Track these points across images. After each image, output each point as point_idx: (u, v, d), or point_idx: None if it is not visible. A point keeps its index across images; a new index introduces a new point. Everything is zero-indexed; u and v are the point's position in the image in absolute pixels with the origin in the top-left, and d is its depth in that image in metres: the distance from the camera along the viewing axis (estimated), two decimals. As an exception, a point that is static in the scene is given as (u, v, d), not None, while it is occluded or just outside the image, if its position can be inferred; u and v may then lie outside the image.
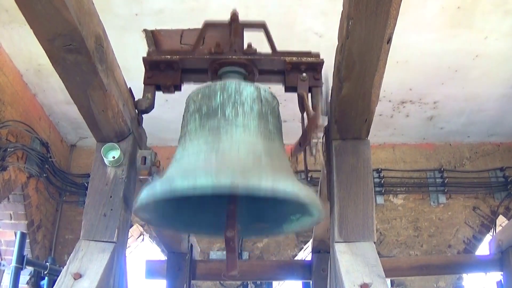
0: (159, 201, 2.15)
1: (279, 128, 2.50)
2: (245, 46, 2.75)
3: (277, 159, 2.27)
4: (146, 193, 2.06)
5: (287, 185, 1.96)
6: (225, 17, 2.78)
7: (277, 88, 2.72)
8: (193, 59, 2.73)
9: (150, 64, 2.74)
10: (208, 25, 2.83)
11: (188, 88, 2.68)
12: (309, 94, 2.65)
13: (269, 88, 2.55)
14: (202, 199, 2.48)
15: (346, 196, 2.48)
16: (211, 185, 1.88)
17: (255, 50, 2.72)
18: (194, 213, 2.51)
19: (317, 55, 2.71)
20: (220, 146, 2.20)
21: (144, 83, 2.73)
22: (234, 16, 2.82)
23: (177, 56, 2.71)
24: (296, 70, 2.68)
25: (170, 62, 2.71)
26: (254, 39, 2.78)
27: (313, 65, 2.67)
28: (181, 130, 2.50)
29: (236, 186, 1.90)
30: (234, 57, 2.66)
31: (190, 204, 2.48)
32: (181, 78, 2.73)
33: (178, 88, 2.75)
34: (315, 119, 2.25)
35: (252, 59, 2.67)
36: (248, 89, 2.44)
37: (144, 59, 2.74)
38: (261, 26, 2.79)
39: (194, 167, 2.13)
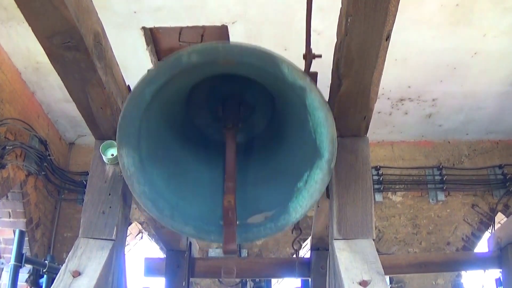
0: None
1: None
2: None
3: None
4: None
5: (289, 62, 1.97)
6: (223, 14, 2.78)
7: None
8: None
9: None
10: None
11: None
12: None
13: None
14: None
15: (345, 193, 2.48)
16: (209, 46, 1.94)
17: None
18: (187, 201, 2.47)
19: (314, 76, 2.71)
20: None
21: None
22: None
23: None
24: None
25: None
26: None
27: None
28: None
29: (236, 46, 1.95)
30: None
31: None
32: None
33: None
34: None
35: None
36: None
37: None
38: None
39: None
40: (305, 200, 2.28)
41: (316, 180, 2.23)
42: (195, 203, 2.44)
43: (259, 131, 2.67)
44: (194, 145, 2.60)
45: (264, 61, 1.95)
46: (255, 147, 2.64)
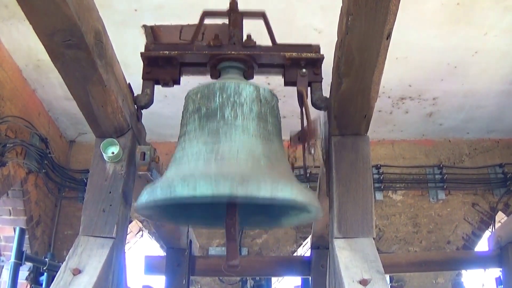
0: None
1: (278, 128, 2.51)
2: (245, 37, 2.74)
3: (276, 161, 2.30)
4: (147, 196, 2.10)
5: (285, 191, 2.01)
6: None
7: (277, 84, 2.72)
8: (192, 55, 2.72)
9: (149, 60, 2.73)
10: (207, 14, 2.81)
11: (188, 84, 2.68)
12: (309, 90, 2.65)
13: (268, 84, 2.55)
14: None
15: (345, 192, 2.48)
16: (210, 194, 1.94)
17: (255, 42, 2.71)
18: (195, 206, 2.51)
19: (317, 48, 2.71)
20: (220, 148, 2.23)
21: (142, 78, 2.73)
22: (233, 5, 2.80)
23: (176, 52, 2.69)
24: (296, 65, 2.68)
25: (169, 58, 2.70)
26: (253, 31, 2.76)
27: (313, 61, 2.68)
28: (180, 129, 2.50)
29: (235, 195, 1.95)
30: (233, 52, 2.65)
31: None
32: (180, 73, 2.73)
33: (177, 82, 2.74)
34: (312, 129, 2.30)
35: (251, 54, 2.66)
36: (247, 90, 2.44)
37: (142, 54, 2.73)
38: (261, 15, 2.79)
39: (193, 172, 2.15)
40: (295, 222, 2.49)
41: (305, 217, 2.41)
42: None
43: None
44: None
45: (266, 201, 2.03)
46: None
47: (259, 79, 2.70)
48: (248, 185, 1.96)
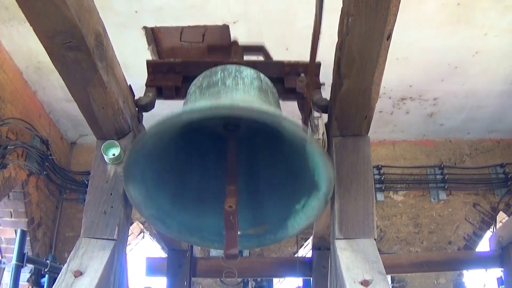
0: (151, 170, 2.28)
1: (278, 108, 2.55)
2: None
3: None
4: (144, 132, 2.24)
5: (289, 119, 2.00)
6: (225, 14, 2.79)
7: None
8: (195, 63, 2.80)
9: (153, 67, 2.84)
10: (210, 48, 2.94)
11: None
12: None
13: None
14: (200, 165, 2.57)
15: (346, 193, 2.47)
16: (209, 106, 2.06)
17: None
18: (192, 215, 2.52)
19: (317, 64, 2.76)
20: (221, 101, 2.30)
21: (146, 85, 2.79)
22: (235, 43, 3.00)
23: (180, 59, 2.82)
24: (294, 72, 2.79)
25: (173, 65, 2.81)
26: (253, 29, 2.81)
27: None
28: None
29: (237, 106, 2.07)
30: (234, 59, 2.76)
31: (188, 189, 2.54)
32: (182, 80, 2.77)
33: (179, 92, 2.79)
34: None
35: (252, 61, 2.77)
36: (248, 70, 2.56)
37: (147, 62, 2.84)
38: (260, 49, 3.00)
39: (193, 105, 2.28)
40: (302, 220, 2.41)
41: (313, 206, 2.35)
42: (200, 215, 2.53)
43: (261, 143, 2.69)
44: (196, 162, 2.64)
45: (265, 119, 2.04)
46: (258, 162, 2.68)
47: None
48: (251, 104, 2.14)
